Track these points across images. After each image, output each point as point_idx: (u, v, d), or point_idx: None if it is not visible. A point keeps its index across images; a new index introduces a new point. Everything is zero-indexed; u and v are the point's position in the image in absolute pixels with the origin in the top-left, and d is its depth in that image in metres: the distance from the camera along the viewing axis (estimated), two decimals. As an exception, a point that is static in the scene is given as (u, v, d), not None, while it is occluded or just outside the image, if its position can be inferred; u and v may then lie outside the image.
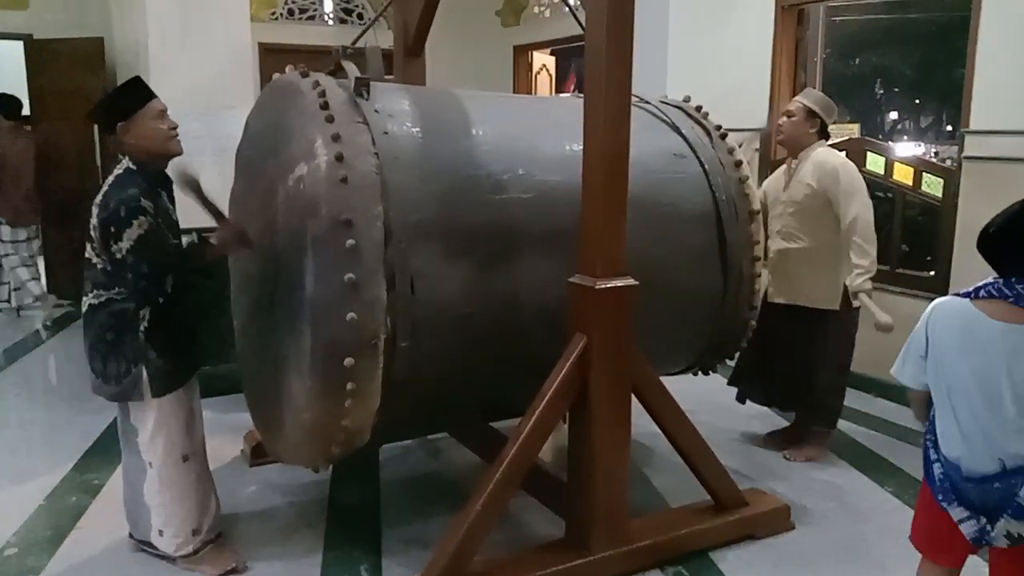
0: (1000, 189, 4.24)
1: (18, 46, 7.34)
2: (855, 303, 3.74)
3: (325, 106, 2.72)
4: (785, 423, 4.32)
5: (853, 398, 4.23)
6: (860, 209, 3.68)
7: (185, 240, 3.05)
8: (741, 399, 4.24)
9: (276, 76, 3.13)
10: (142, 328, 2.77)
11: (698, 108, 3.78)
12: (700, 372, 3.83)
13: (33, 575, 2.97)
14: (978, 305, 2.09)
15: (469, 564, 2.71)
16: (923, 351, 2.20)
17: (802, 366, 3.91)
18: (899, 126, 19.15)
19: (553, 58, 8.70)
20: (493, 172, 2.95)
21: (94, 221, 2.75)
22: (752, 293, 3.57)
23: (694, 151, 3.51)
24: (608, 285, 2.76)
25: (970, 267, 2.25)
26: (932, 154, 9.63)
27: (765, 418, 4.42)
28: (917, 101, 19.22)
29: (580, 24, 3.05)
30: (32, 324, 6.78)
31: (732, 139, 3.69)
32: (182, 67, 4.64)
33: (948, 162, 5.85)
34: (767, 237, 3.97)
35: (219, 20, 4.76)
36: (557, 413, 2.86)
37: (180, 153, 2.90)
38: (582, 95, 2.91)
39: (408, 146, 2.84)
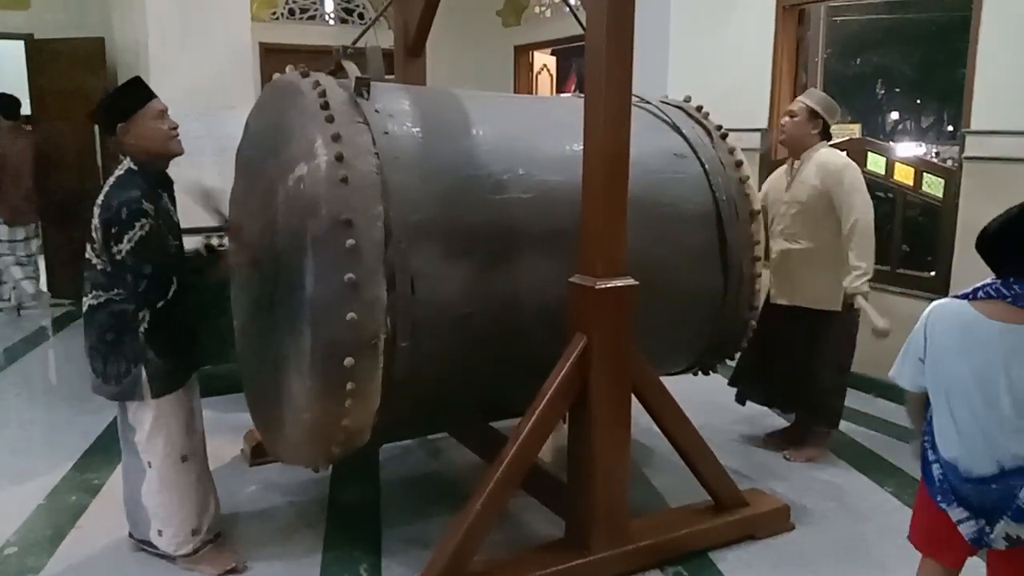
0: (1001, 189, 4.25)
1: (19, 46, 7.35)
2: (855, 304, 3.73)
3: (325, 106, 2.72)
4: (785, 424, 4.32)
5: (853, 398, 4.23)
6: (862, 211, 3.68)
7: (186, 240, 3.05)
8: (741, 400, 4.24)
9: (276, 76, 3.13)
10: (142, 329, 2.77)
11: (699, 108, 3.78)
12: (700, 372, 3.83)
13: (33, 574, 2.97)
14: (976, 306, 2.09)
15: (469, 564, 2.70)
16: (921, 353, 2.20)
17: (803, 367, 3.90)
18: (900, 126, 19.13)
19: (554, 58, 8.71)
20: (493, 172, 2.95)
21: (95, 222, 2.74)
22: (752, 293, 3.57)
23: (694, 151, 3.51)
24: (608, 285, 2.76)
25: (971, 268, 2.25)
26: (933, 154, 9.63)
27: (765, 418, 4.42)
28: (918, 101, 19.21)
29: (580, 24, 3.05)
30: (32, 324, 6.77)
31: (732, 139, 3.69)
32: (182, 67, 4.65)
33: (949, 162, 5.85)
34: (768, 237, 3.97)
35: (219, 20, 4.77)
36: (557, 413, 2.86)
37: (181, 153, 2.90)
38: (583, 95, 2.90)
39: (408, 146, 2.84)
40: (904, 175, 4.93)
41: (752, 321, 3.66)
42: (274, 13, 8.53)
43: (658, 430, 3.14)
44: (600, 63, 2.69)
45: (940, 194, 4.72)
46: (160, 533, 2.95)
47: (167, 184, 2.97)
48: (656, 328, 3.17)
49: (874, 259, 3.71)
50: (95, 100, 3.05)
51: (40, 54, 7.20)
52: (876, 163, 5.01)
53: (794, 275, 3.90)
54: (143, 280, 2.67)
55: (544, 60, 8.55)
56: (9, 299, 7.03)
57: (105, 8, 7.08)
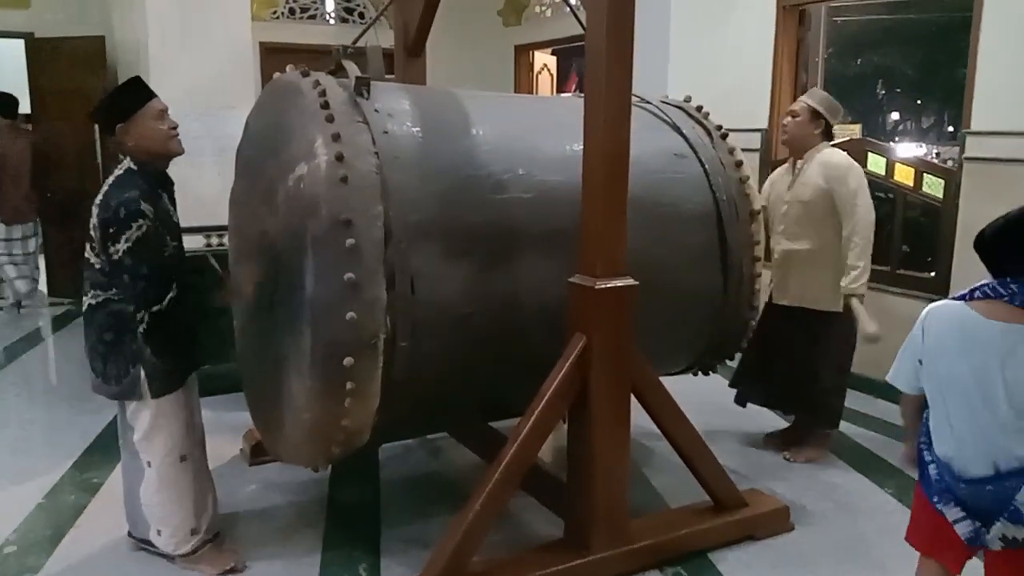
0: (1001, 190, 4.24)
1: (19, 45, 7.35)
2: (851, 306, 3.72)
3: (325, 105, 2.72)
4: (785, 424, 4.32)
5: (853, 399, 4.23)
6: (865, 212, 3.68)
7: (187, 240, 3.05)
8: (741, 402, 4.22)
9: (276, 75, 3.13)
10: (141, 329, 2.76)
11: (699, 108, 3.78)
12: (700, 372, 3.83)
13: (32, 574, 2.97)
14: (973, 306, 2.11)
15: (468, 564, 2.70)
16: (919, 354, 2.21)
17: (803, 367, 3.90)
18: (901, 127, 19.12)
19: (554, 58, 8.70)
20: (493, 172, 2.95)
21: (94, 221, 2.74)
22: (752, 293, 3.57)
23: (695, 151, 3.51)
24: (608, 285, 2.75)
25: (971, 268, 2.25)
26: (934, 155, 9.61)
27: (765, 419, 4.42)
28: (919, 102, 19.19)
29: (581, 24, 3.05)
30: (32, 323, 6.77)
31: (732, 139, 3.69)
32: (182, 66, 4.64)
33: (950, 163, 5.84)
34: (769, 236, 3.97)
35: (219, 19, 4.76)
36: (557, 413, 2.86)
37: (180, 153, 2.90)
38: (583, 95, 2.90)
39: (408, 146, 2.84)
40: (904, 175, 4.92)
41: (752, 321, 3.66)
42: (274, 12, 8.52)
43: (658, 430, 3.13)
44: (600, 63, 2.69)
45: (940, 195, 4.72)
46: (159, 533, 2.95)
47: (167, 184, 2.97)
48: (656, 328, 3.17)
49: (871, 260, 3.71)
50: (95, 99, 3.05)
51: (40, 53, 7.20)
52: (876, 163, 5.00)
53: (795, 275, 3.90)
54: (141, 281, 2.67)
55: (544, 60, 8.55)
56: (6, 297, 7.03)
57: (105, 7, 7.08)
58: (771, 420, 4.42)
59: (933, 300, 2.29)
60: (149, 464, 2.89)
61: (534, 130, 3.26)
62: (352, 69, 2.98)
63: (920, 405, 2.29)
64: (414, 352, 2.72)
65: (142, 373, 2.78)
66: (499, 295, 2.91)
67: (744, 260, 3.49)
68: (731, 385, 4.25)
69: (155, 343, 2.79)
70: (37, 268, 7.26)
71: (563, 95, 8.73)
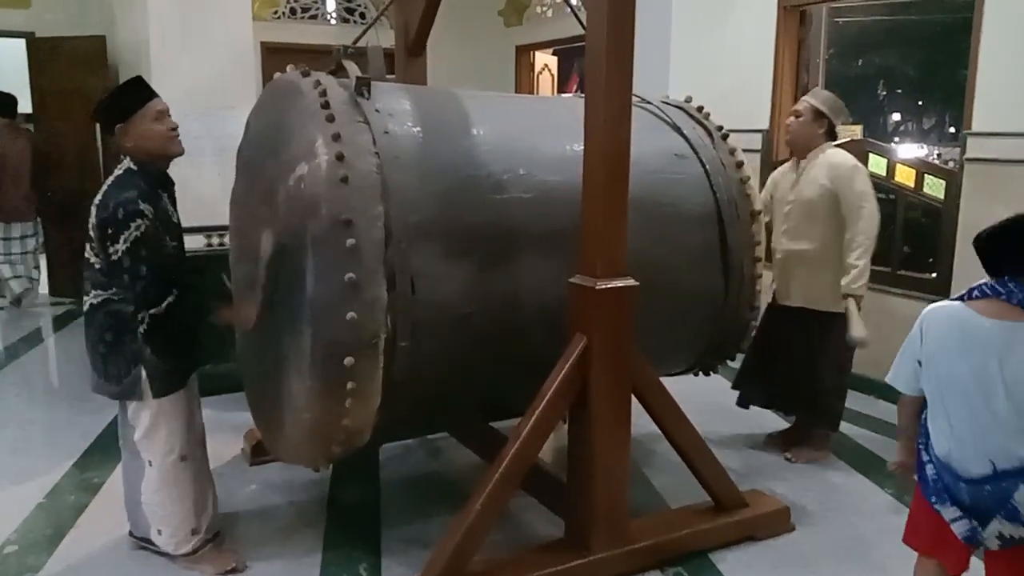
0: (1002, 191, 4.24)
1: (20, 44, 7.35)
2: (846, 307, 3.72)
3: (326, 105, 2.72)
4: (786, 425, 4.32)
5: (854, 400, 4.23)
6: (870, 214, 3.68)
7: (187, 240, 3.05)
8: (744, 404, 4.21)
9: (277, 75, 3.13)
10: (141, 329, 2.76)
11: (699, 108, 3.77)
12: (701, 373, 3.83)
13: (33, 573, 2.97)
14: (972, 306, 2.13)
15: (468, 564, 2.70)
16: (918, 355, 2.22)
17: (803, 367, 3.90)
18: (902, 127, 19.11)
19: (555, 58, 8.70)
20: (493, 172, 2.95)
21: (93, 221, 2.74)
22: (753, 294, 3.56)
23: (695, 151, 3.50)
24: (608, 285, 2.75)
25: (972, 269, 2.26)
26: (935, 156, 9.61)
27: (766, 420, 4.41)
28: (920, 103, 19.18)
29: (581, 24, 3.05)
30: (32, 323, 6.77)
31: (733, 140, 3.68)
32: (183, 66, 4.64)
33: (951, 164, 5.84)
34: (770, 235, 3.96)
35: (219, 19, 4.76)
36: (557, 413, 2.85)
37: (180, 153, 2.90)
38: (584, 95, 2.90)
39: (409, 146, 2.84)
40: (905, 176, 4.92)
41: (753, 322, 3.66)
42: (275, 12, 8.53)
43: (658, 430, 3.13)
44: (600, 63, 2.69)
45: (941, 195, 4.71)
46: (159, 532, 2.95)
47: (168, 184, 2.97)
48: (656, 328, 3.17)
49: (871, 262, 3.71)
50: (96, 99, 3.05)
51: (41, 53, 7.20)
52: (877, 164, 5.00)
53: (797, 276, 3.89)
54: (140, 281, 2.66)
55: (545, 60, 8.55)
56: (6, 296, 7.04)
57: (106, 7, 7.08)
58: (772, 421, 4.42)
59: (934, 301, 2.31)
60: (150, 463, 2.89)
61: (534, 130, 3.26)
62: (353, 69, 2.98)
63: (919, 407, 2.31)
64: (414, 352, 2.72)
65: (143, 373, 2.78)
66: (499, 295, 2.91)
67: (745, 261, 3.49)
68: (734, 387, 4.24)
69: (155, 343, 2.79)
70: (36, 268, 7.24)
71: (564, 95, 8.74)
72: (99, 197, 2.76)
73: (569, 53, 9.30)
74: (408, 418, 3.07)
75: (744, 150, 3.75)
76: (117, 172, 2.81)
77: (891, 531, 3.24)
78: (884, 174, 4.97)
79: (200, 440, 3.05)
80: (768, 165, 5.46)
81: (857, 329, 3.63)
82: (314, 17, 8.73)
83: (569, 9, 3.99)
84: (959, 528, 2.16)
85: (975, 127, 4.45)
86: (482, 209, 2.90)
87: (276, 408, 2.89)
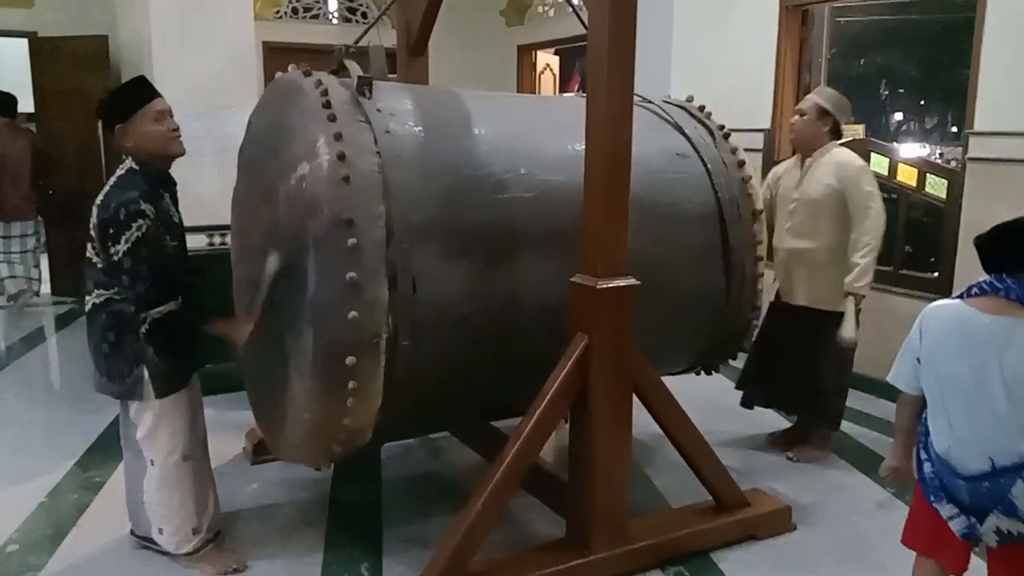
0: (1004, 190, 4.24)
1: (22, 44, 7.36)
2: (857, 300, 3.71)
3: (327, 105, 2.71)
4: (787, 424, 4.31)
5: (855, 399, 4.22)
6: (877, 215, 3.68)
7: (188, 239, 3.05)
8: (748, 404, 4.20)
9: (278, 75, 3.13)
10: (143, 329, 2.76)
11: (701, 108, 3.77)
12: (703, 372, 3.82)
13: (34, 572, 2.97)
14: (970, 303, 2.15)
15: (469, 563, 2.70)
16: (918, 354, 2.22)
17: (804, 367, 3.90)
18: (904, 127, 19.12)
19: (557, 58, 8.70)
20: (494, 172, 2.95)
21: (94, 221, 2.74)
22: (755, 293, 3.56)
23: (697, 151, 3.50)
24: (609, 285, 2.75)
25: (973, 268, 2.26)
26: (937, 155, 9.61)
27: (767, 419, 4.41)
28: (922, 102, 19.19)
29: (583, 23, 3.05)
30: (33, 322, 6.78)
31: (735, 139, 3.68)
32: (184, 66, 4.64)
33: (953, 163, 5.84)
34: (771, 232, 3.96)
35: (220, 19, 4.76)
36: (558, 413, 2.85)
37: (181, 154, 2.89)
38: (585, 95, 2.90)
39: (410, 145, 2.84)
40: (907, 176, 4.92)
41: (754, 321, 3.65)
42: (277, 12, 8.54)
43: (659, 430, 3.13)
44: (602, 63, 2.69)
45: (943, 195, 4.71)
46: (161, 531, 2.95)
47: (170, 184, 2.96)
48: (657, 328, 3.17)
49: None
50: (97, 99, 3.05)
51: (43, 52, 7.21)
52: (879, 164, 4.99)
53: (800, 274, 3.89)
54: (141, 281, 2.66)
55: (547, 60, 8.55)
56: (2, 293, 7.05)
57: (108, 6, 7.09)
58: (773, 420, 4.41)
59: (936, 300, 2.30)
60: (152, 463, 2.90)
61: (536, 130, 3.26)
62: (354, 69, 2.98)
63: (919, 406, 2.31)
64: (415, 352, 2.72)
65: (145, 373, 2.78)
66: (500, 295, 2.91)
67: (746, 260, 3.48)
68: (738, 387, 4.24)
69: (157, 343, 2.79)
70: (36, 267, 7.22)
71: (565, 95, 8.74)
72: (101, 197, 2.76)
73: (571, 53, 9.31)
74: (409, 418, 3.07)
75: (746, 149, 3.74)
76: (119, 172, 2.81)
77: (892, 530, 3.23)
78: (886, 173, 4.96)
79: (202, 440, 3.05)
80: (770, 164, 5.44)
81: (847, 329, 3.64)
82: (316, 17, 8.74)
83: (571, 9, 3.99)
84: (956, 525, 2.17)
85: (977, 126, 4.45)
86: (483, 209, 2.90)
87: (277, 407, 2.89)
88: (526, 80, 8.67)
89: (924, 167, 4.94)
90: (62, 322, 6.79)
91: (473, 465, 3.79)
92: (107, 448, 3.99)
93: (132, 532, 3.09)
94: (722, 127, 3.68)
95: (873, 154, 5.03)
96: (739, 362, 4.07)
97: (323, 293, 2.57)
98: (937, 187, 4.77)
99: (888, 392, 4.57)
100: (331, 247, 2.56)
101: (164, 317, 2.75)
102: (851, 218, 3.72)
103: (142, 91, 2.83)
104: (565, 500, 3.06)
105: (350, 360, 2.57)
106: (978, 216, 4.29)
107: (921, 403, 2.29)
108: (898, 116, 19.31)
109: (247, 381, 3.31)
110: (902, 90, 18.91)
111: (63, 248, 7.16)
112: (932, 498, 2.22)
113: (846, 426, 4.16)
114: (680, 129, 3.56)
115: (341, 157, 2.60)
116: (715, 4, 5.88)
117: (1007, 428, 2.07)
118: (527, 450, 2.76)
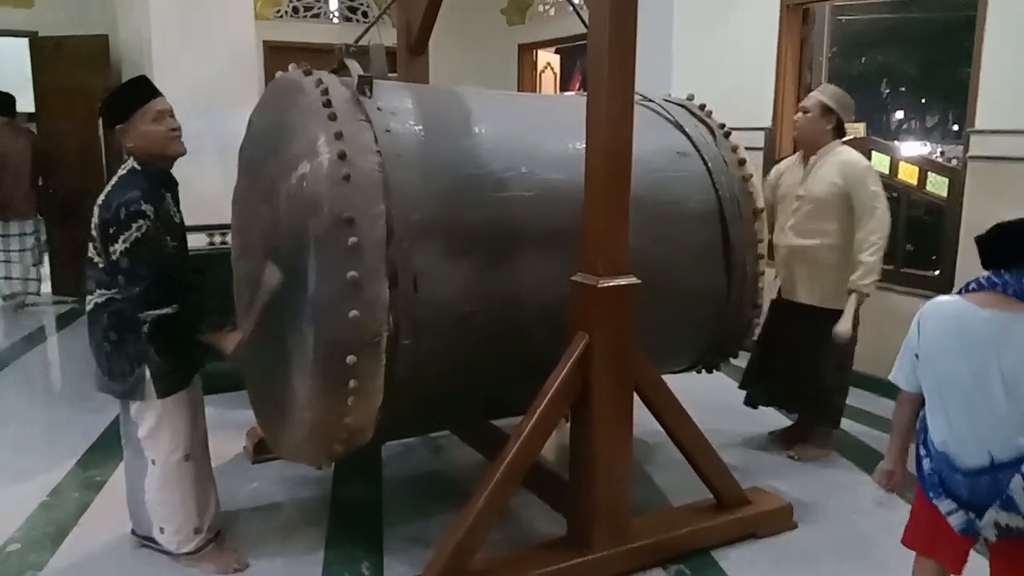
0: (1005, 188, 4.24)
1: (23, 43, 7.36)
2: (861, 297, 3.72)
3: (328, 104, 2.71)
4: (788, 422, 4.31)
5: (856, 397, 4.22)
6: (883, 214, 3.68)
7: (189, 238, 3.05)
8: (751, 403, 4.20)
9: (279, 74, 3.13)
10: (144, 329, 2.76)
11: (702, 106, 3.77)
12: (704, 370, 3.82)
13: (35, 571, 2.97)
14: (969, 298, 2.16)
15: (470, 562, 2.70)
16: (917, 350, 2.23)
17: (805, 365, 3.89)
18: (905, 125, 19.09)
19: (558, 56, 8.70)
20: (495, 170, 2.95)
21: (95, 220, 2.74)
22: (756, 292, 3.56)
23: (697, 149, 3.50)
24: (610, 284, 2.75)
25: (974, 267, 2.26)
26: (938, 153, 9.59)
27: (768, 417, 4.41)
28: (923, 100, 19.17)
29: (583, 22, 3.05)
30: (33, 322, 6.78)
31: (736, 138, 3.68)
32: (184, 65, 4.64)
33: (954, 162, 5.83)
34: (773, 229, 3.95)
35: (221, 19, 4.76)
36: (559, 411, 2.85)
37: (182, 154, 2.88)
38: (586, 94, 2.90)
39: (410, 144, 2.84)
40: (908, 174, 4.91)
41: (755, 320, 3.65)
42: (278, 11, 8.54)
43: (660, 428, 3.13)
44: (603, 61, 2.69)
45: (944, 193, 4.71)
46: (162, 531, 2.95)
47: (171, 184, 2.96)
48: (658, 327, 3.17)
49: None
50: (98, 98, 3.05)
51: (43, 52, 7.21)
52: (880, 162, 4.98)
53: (803, 272, 3.88)
54: (141, 281, 2.65)
55: (548, 58, 8.55)
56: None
57: (109, 6, 7.09)
58: (774, 418, 4.41)
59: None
60: (153, 462, 2.90)
61: (536, 128, 3.26)
62: (355, 68, 2.98)
63: (918, 404, 2.31)
64: (416, 350, 2.72)
65: (147, 373, 2.78)
66: (500, 294, 2.91)
67: (747, 258, 3.48)
68: (741, 386, 4.23)
69: (159, 343, 2.79)
70: (35, 267, 7.20)
71: (566, 94, 8.74)
72: (102, 197, 2.76)
73: (572, 52, 9.31)
74: (410, 416, 3.07)
75: (746, 148, 3.74)
76: (121, 172, 2.81)
77: (893, 529, 3.23)
78: (887, 172, 4.96)
79: (203, 439, 3.05)
80: (771, 163, 5.43)
81: (843, 326, 3.63)
82: (316, 16, 8.74)
83: (571, 8, 3.99)
84: (955, 520, 2.17)
85: (978, 124, 4.45)
86: (484, 207, 2.89)
87: (278, 406, 2.89)
88: (527, 79, 8.67)
89: (925, 165, 4.93)
90: (63, 321, 6.79)
91: (474, 464, 3.79)
92: (108, 447, 4.00)
93: (133, 531, 3.10)
94: (723, 125, 3.68)
95: (874, 152, 5.02)
96: (740, 360, 4.06)
97: (324, 292, 2.57)
98: (938, 185, 4.76)
99: (889, 390, 4.55)
100: (332, 246, 2.56)
101: (164, 318, 2.75)
102: (856, 218, 3.71)
103: (142, 91, 2.83)
104: (566, 498, 3.06)
105: (351, 359, 2.57)
106: (979, 214, 4.29)
107: (920, 401, 2.29)
108: (899, 114, 19.28)
109: (248, 380, 3.31)
110: (903, 88, 18.88)
111: (64, 247, 7.16)
112: (931, 494, 2.22)
113: (847, 424, 4.16)
114: (681, 128, 3.56)
115: (342, 156, 2.60)
116: (716, 3, 5.88)
117: (1006, 424, 2.08)
118: (528, 449, 2.76)
